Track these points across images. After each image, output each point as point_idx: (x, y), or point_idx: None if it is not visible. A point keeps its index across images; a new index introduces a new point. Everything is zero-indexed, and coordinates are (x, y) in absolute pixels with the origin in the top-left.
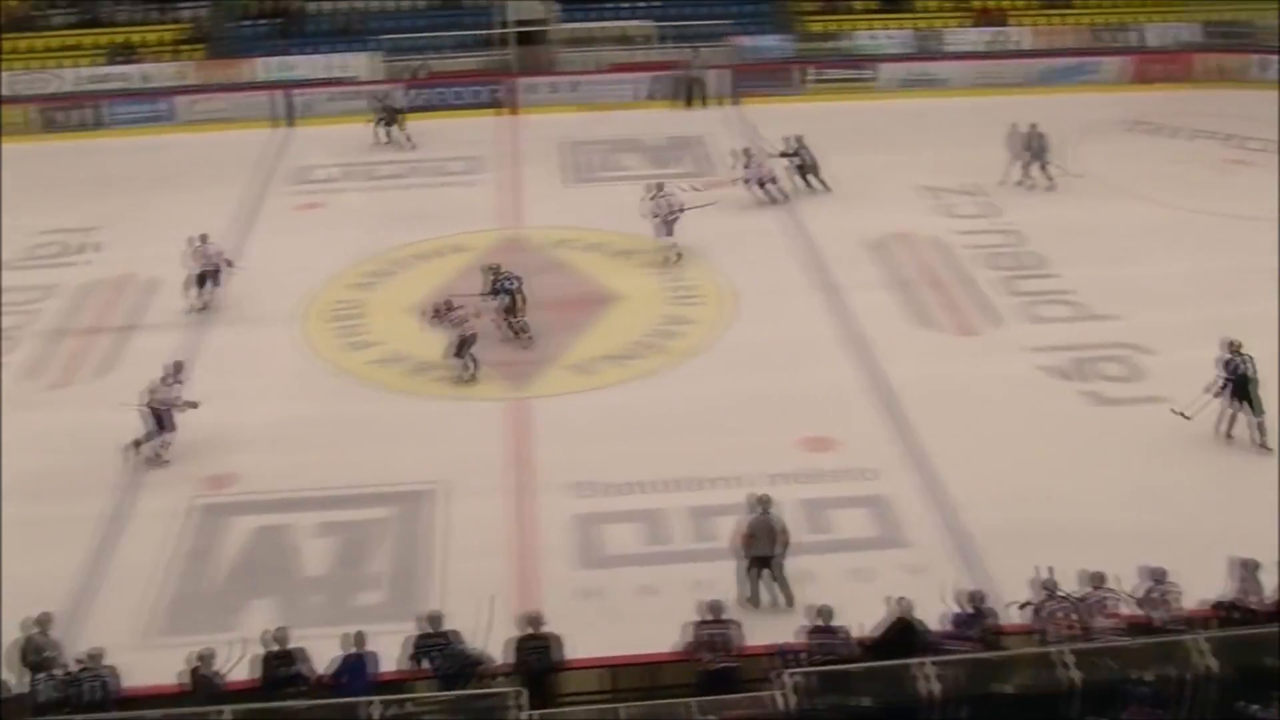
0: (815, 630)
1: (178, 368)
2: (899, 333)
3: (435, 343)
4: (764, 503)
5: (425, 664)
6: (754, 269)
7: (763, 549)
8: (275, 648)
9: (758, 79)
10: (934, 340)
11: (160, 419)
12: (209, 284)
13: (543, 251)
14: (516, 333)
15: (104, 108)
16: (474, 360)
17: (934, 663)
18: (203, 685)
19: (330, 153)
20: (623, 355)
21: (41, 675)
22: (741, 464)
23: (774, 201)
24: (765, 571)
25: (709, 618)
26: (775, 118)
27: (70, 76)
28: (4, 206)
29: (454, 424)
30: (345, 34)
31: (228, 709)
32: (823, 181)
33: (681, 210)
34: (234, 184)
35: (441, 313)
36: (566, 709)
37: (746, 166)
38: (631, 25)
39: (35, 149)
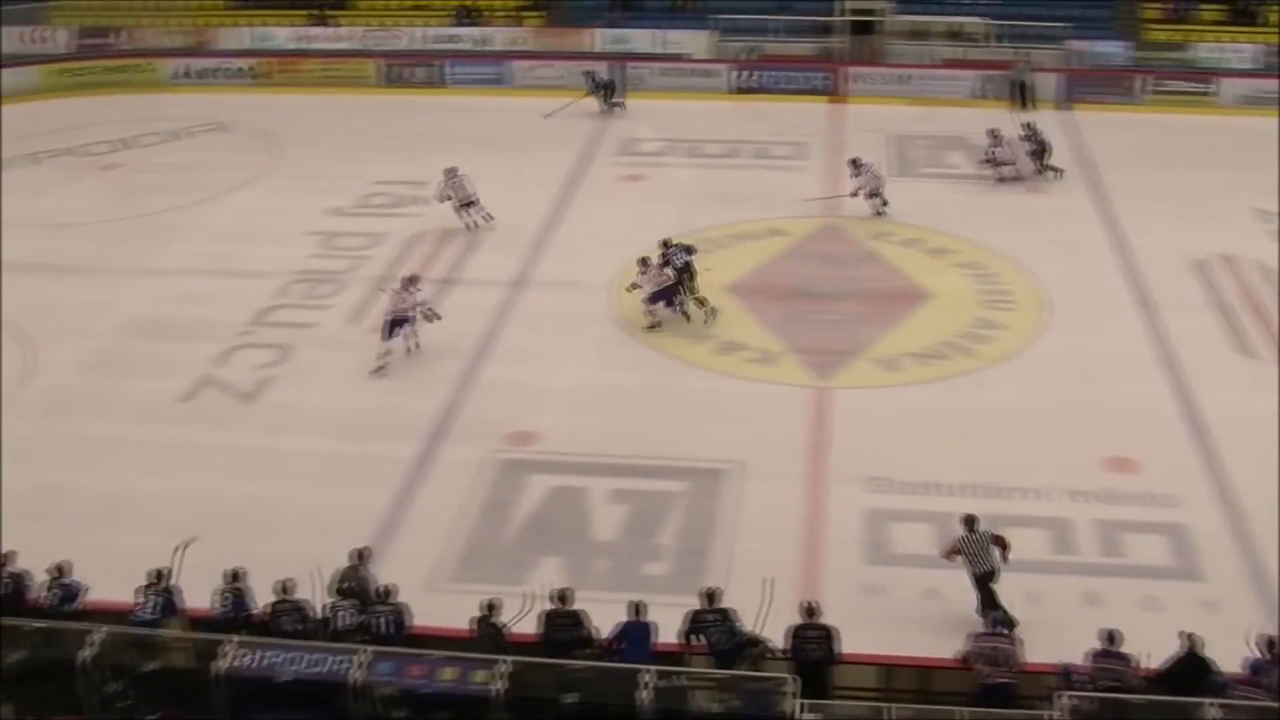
0: (1102, 654)
1: (413, 279)
2: (1217, 358)
3: (744, 323)
4: (970, 521)
5: (699, 639)
6: (1071, 278)
7: (979, 567)
8: (559, 606)
9: (1093, 85)
10: (1253, 370)
11: (392, 328)
12: (472, 209)
13: (859, 242)
14: (688, 308)
15: (444, 67)
16: (680, 308)
17: (1221, 705)
18: (487, 634)
19: (657, 127)
20: (929, 354)
21: (345, 603)
22: (1040, 476)
23: (1001, 179)
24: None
25: (989, 630)
26: (1109, 125)
27: (417, 35)
28: (346, 156)
29: (756, 406)
30: (682, 11)
31: (508, 659)
32: (1054, 167)
33: None
34: (561, 150)
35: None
36: (836, 702)
37: (994, 146)
38: (967, 22)
39: (378, 101)
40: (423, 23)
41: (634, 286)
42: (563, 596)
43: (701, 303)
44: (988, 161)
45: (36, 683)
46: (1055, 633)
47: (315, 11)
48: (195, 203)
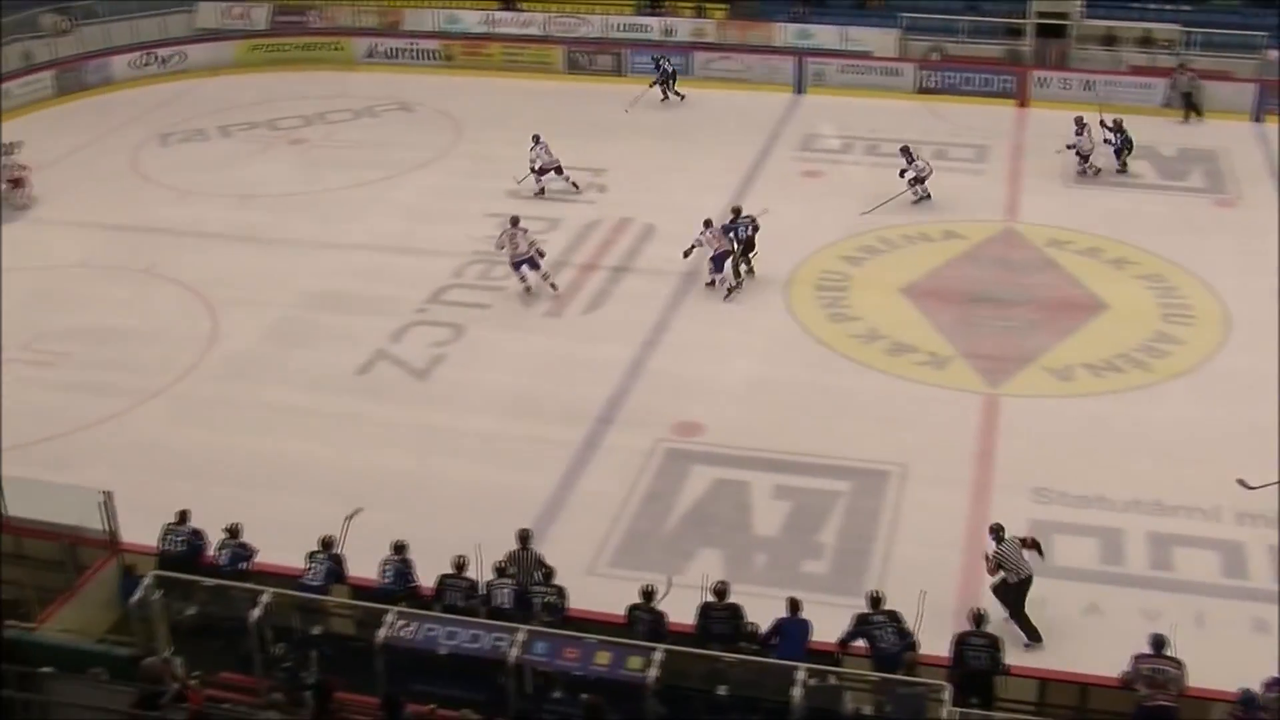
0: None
1: (516, 220)
2: None
3: (916, 326)
4: (996, 530)
5: (864, 642)
6: (1255, 294)
7: (1019, 574)
8: (714, 599)
9: None
10: None
11: (519, 267)
12: (551, 176)
13: (1036, 249)
14: (738, 274)
15: (625, 56)
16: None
17: None
18: (643, 620)
19: (836, 124)
20: (1103, 366)
21: (505, 582)
22: (1211, 497)
23: (1083, 173)
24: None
25: (1151, 651)
26: None
27: (599, 23)
28: (526, 140)
29: (923, 409)
30: (866, 8)
31: (661, 648)
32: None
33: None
34: (739, 143)
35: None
36: (991, 713)
37: (1078, 135)
38: (1157, 28)
39: (560, 87)
40: (603, 11)
41: (693, 248)
42: (719, 590)
43: (750, 272)
44: (1071, 148)
45: (207, 638)
46: (1222, 660)
47: None
48: (377, 180)
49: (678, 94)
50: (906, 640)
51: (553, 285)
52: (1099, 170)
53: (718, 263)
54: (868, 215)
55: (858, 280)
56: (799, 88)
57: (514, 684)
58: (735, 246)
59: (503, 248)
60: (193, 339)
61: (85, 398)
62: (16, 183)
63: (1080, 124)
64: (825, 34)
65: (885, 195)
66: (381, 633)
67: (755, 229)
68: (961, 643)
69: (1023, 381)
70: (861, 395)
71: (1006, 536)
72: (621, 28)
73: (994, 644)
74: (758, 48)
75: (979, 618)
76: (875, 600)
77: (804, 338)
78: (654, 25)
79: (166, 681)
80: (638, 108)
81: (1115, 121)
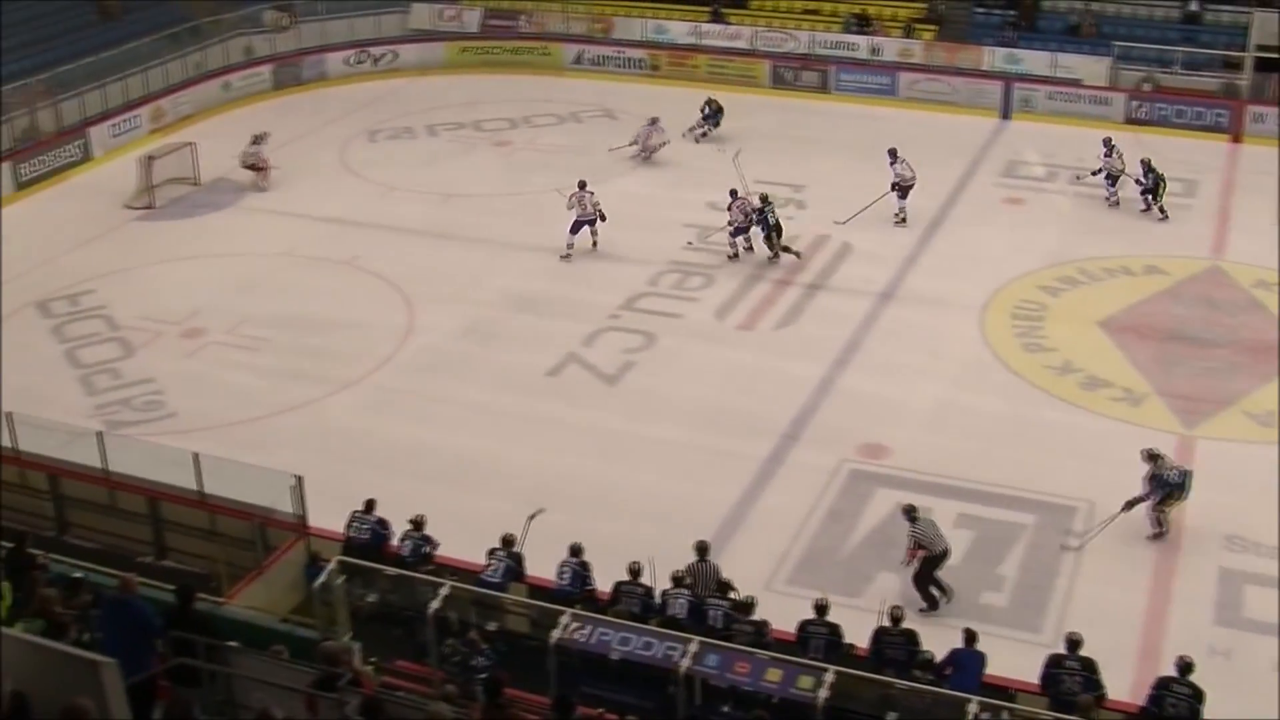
0: None
1: (583, 184)
2: None
3: (1112, 361)
4: (909, 511)
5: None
6: None
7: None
8: (889, 624)
9: None
10: None
11: (578, 227)
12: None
13: (1242, 289)
14: (775, 253)
15: (831, 73)
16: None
17: None
18: (817, 637)
19: (1041, 151)
20: None
21: (681, 592)
22: None
23: (1110, 201)
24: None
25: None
26: None
27: (805, 39)
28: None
29: (1115, 447)
30: (1077, 34)
31: (832, 670)
32: (1161, 207)
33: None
34: (941, 166)
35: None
36: None
37: (1107, 156)
38: None
39: (764, 102)
40: (811, 27)
41: (727, 225)
42: (895, 615)
43: (786, 250)
44: (1098, 173)
45: (385, 626)
46: None
47: (714, 8)
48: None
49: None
50: (1097, 692)
51: (595, 244)
52: (1118, 202)
53: (737, 235)
54: (843, 224)
55: (1054, 311)
56: (1005, 113)
57: (683, 694)
58: (762, 230)
59: (572, 208)
60: (389, 332)
61: (283, 383)
62: (258, 169)
63: (1109, 144)
64: (1034, 59)
65: (892, 203)
66: (555, 633)
67: (774, 219)
68: (1161, 688)
69: (1220, 425)
70: (1052, 428)
71: (919, 516)
72: (828, 45)
73: (1197, 694)
74: (965, 70)
75: (1186, 666)
76: (1074, 644)
77: (997, 366)
78: (861, 44)
79: (344, 665)
80: (843, 123)
81: (1144, 161)
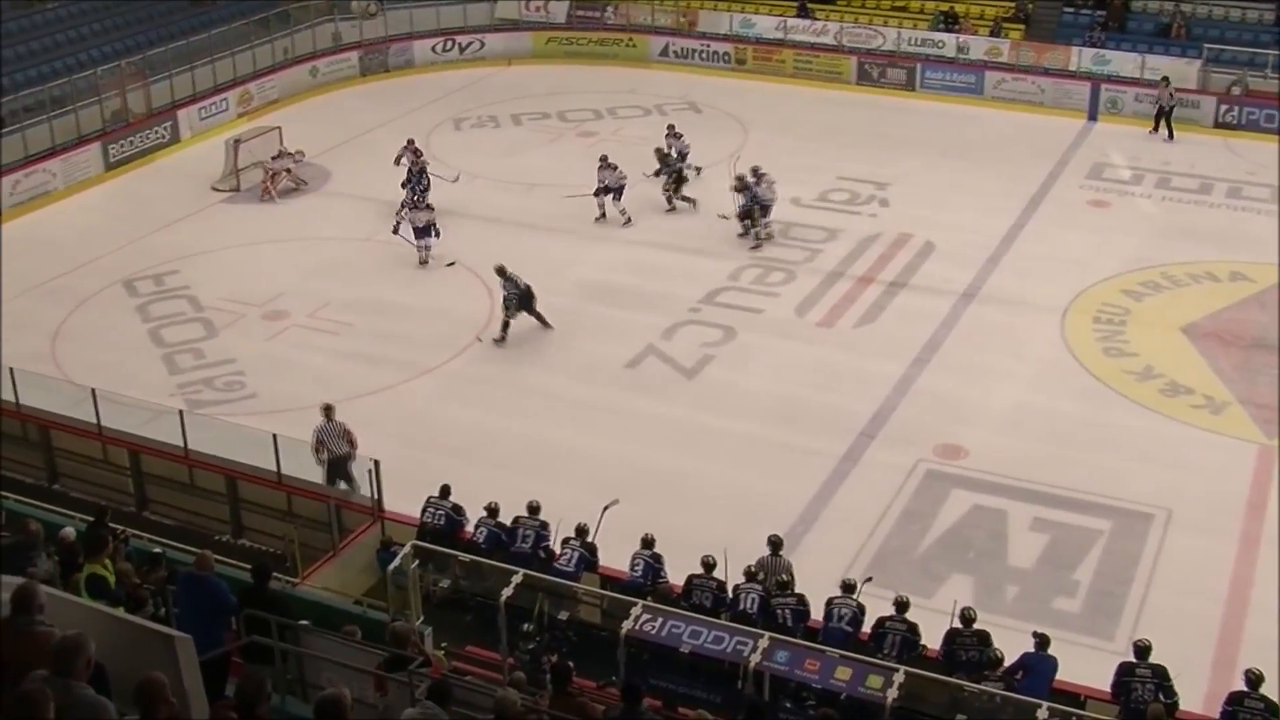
0: None
1: (605, 158)
2: None
3: (1195, 367)
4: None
5: (1131, 696)
6: None
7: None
8: (961, 626)
9: None
10: None
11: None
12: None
13: None
14: (760, 239)
15: (917, 70)
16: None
17: None
18: (894, 634)
19: (1127, 154)
20: None
21: (753, 587)
22: None
23: None
24: None
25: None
26: None
27: (892, 36)
28: (812, 148)
29: (1196, 454)
30: (1166, 35)
31: (903, 670)
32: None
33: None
34: (1026, 166)
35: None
36: None
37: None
38: None
39: (849, 98)
40: (898, 24)
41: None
42: (967, 616)
43: (769, 236)
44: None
45: (456, 611)
46: None
47: (801, 3)
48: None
49: (685, 199)
50: (1170, 700)
51: (627, 219)
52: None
53: (744, 217)
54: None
55: (1137, 315)
56: (1092, 114)
57: (752, 689)
58: (754, 205)
59: (603, 181)
60: (469, 319)
61: (362, 367)
62: (274, 178)
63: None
64: (1122, 60)
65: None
66: (626, 625)
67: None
68: (1234, 701)
69: None
70: (1131, 433)
71: (336, 418)
72: (915, 42)
73: (1271, 708)
74: (1052, 71)
75: (1256, 679)
76: (1143, 651)
77: (1077, 369)
78: (948, 42)
79: (412, 647)
80: (928, 120)
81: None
